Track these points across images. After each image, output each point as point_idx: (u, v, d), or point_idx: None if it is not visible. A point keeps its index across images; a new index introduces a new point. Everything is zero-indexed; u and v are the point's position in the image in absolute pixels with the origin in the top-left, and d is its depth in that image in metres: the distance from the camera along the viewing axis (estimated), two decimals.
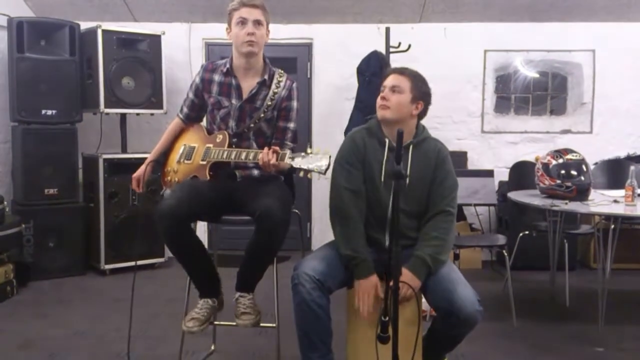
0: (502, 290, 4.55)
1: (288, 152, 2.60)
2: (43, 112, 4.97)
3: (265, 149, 2.64)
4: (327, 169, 2.48)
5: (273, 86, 2.89)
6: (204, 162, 2.84)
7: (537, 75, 5.96)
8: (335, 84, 5.78)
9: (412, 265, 2.58)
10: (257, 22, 2.80)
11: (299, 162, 2.51)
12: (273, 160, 2.59)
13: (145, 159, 3.08)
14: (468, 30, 5.83)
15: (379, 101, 2.76)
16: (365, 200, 2.75)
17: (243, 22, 2.80)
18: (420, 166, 2.73)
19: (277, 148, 2.63)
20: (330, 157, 2.52)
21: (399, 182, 2.22)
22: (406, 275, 2.52)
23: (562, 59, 5.89)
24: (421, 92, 2.78)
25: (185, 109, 3.09)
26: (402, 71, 2.79)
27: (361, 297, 2.62)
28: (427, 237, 2.68)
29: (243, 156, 2.73)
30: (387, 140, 2.75)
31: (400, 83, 2.74)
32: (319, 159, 2.48)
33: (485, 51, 5.86)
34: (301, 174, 2.52)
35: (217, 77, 2.95)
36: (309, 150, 2.54)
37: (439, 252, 2.65)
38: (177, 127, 3.13)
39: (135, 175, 3.03)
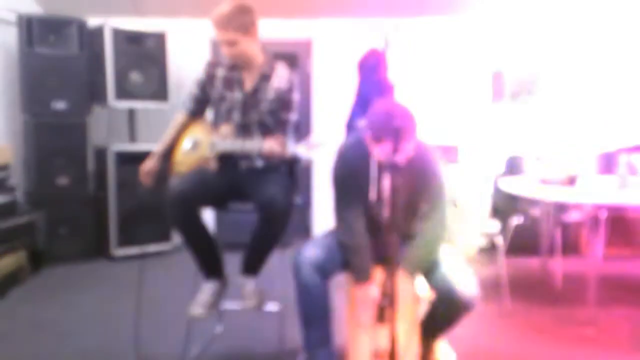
0: (496, 274, 4.60)
1: (291, 140, 2.71)
2: (53, 105, 5.10)
3: (269, 138, 2.74)
4: (329, 156, 2.59)
5: (275, 79, 2.96)
6: (210, 153, 2.93)
7: (532, 68, 6.03)
8: (335, 79, 5.86)
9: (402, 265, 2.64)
10: (228, 43, 2.85)
11: (302, 151, 2.62)
12: (277, 149, 2.70)
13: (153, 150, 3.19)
14: (464, 25, 5.89)
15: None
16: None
17: (220, 42, 2.89)
18: (408, 178, 2.67)
19: (280, 137, 2.72)
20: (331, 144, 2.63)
21: (395, 173, 2.32)
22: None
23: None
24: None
25: (189, 104, 3.15)
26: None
27: (363, 310, 2.68)
28: (421, 238, 2.73)
29: (248, 146, 2.82)
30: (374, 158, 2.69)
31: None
32: (321, 147, 2.60)
33: (481, 46, 5.92)
34: (304, 163, 2.64)
35: (220, 72, 3.03)
36: (310, 138, 2.65)
37: (427, 252, 2.71)
38: (182, 121, 3.17)
39: (142, 168, 3.08)
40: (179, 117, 3.20)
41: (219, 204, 3.10)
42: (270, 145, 2.72)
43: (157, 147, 3.16)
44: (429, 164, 2.77)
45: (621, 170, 3.89)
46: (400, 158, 2.47)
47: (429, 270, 2.71)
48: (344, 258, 2.77)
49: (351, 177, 2.75)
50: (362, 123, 3.37)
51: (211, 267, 3.05)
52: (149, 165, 3.10)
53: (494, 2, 5.73)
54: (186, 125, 3.19)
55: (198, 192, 2.84)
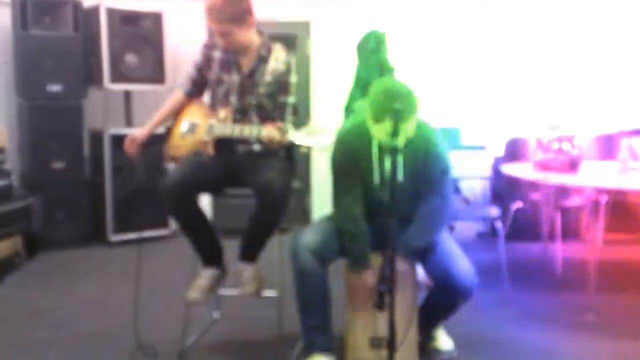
0: (496, 261, 4.57)
1: (291, 128, 2.66)
2: (48, 88, 5.03)
3: (269, 125, 2.70)
4: (328, 145, 2.55)
5: (272, 61, 2.92)
6: (208, 138, 2.89)
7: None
8: (334, 61, 5.80)
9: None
10: (222, 34, 2.80)
11: (301, 138, 2.58)
12: (277, 137, 2.65)
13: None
14: (464, 6, 5.86)
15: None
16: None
17: (214, 31, 2.84)
18: (410, 160, 2.66)
19: (280, 124, 2.69)
20: (330, 133, 2.57)
21: (396, 156, 2.29)
22: None
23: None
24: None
25: (186, 84, 3.11)
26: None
27: (357, 292, 2.71)
28: (415, 220, 2.71)
29: (246, 132, 2.78)
30: (375, 140, 2.68)
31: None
32: (321, 135, 2.55)
33: (481, 27, 5.88)
34: (303, 149, 2.61)
35: (217, 54, 2.98)
36: (310, 126, 2.61)
37: (425, 231, 2.69)
38: (178, 101, 3.12)
39: (130, 136, 3.02)
40: (176, 95, 3.15)
41: (216, 190, 3.07)
42: (268, 132, 2.68)
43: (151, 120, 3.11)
44: (433, 146, 2.73)
45: (622, 154, 3.87)
46: (401, 138, 2.42)
47: (425, 254, 2.70)
48: (343, 244, 2.75)
49: (351, 161, 2.72)
50: (361, 105, 3.32)
51: (210, 255, 3.03)
52: (136, 133, 3.04)
53: None
54: (183, 108, 3.14)
55: (193, 179, 2.82)
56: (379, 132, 2.53)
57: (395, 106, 2.34)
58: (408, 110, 2.45)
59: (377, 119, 2.50)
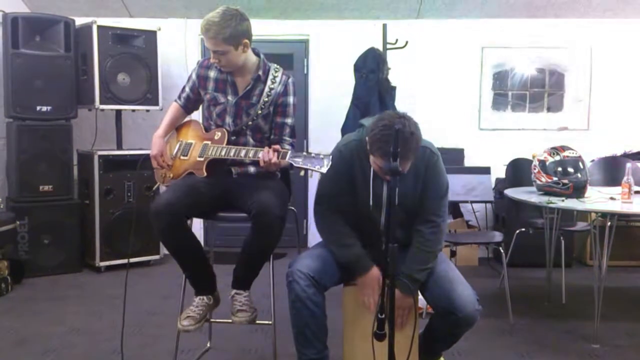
0: (499, 287, 4.57)
1: (290, 151, 2.59)
2: (38, 108, 4.95)
3: (266, 148, 2.63)
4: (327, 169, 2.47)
5: (269, 82, 2.87)
6: (201, 159, 2.83)
7: (534, 72, 5.98)
8: (332, 80, 5.76)
9: (400, 286, 2.51)
10: (217, 52, 2.75)
11: (300, 162, 2.50)
12: (274, 159, 2.58)
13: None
14: (465, 27, 5.85)
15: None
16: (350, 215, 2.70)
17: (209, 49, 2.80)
18: (410, 180, 2.61)
19: (277, 147, 2.61)
20: (330, 157, 2.50)
21: (395, 178, 2.19)
22: (396, 295, 2.39)
23: (559, 55, 5.91)
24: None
25: (182, 100, 3.08)
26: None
27: (366, 292, 2.63)
28: (412, 253, 2.63)
29: (242, 154, 2.73)
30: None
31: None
32: (320, 160, 2.45)
33: (483, 48, 5.87)
34: (302, 173, 2.51)
35: (212, 74, 2.94)
36: (310, 151, 2.54)
37: (425, 263, 2.62)
38: (179, 114, 3.09)
39: (154, 153, 2.94)
40: (175, 109, 3.11)
41: (209, 214, 2.97)
42: (267, 154, 2.61)
43: (158, 131, 3.04)
44: (432, 169, 2.66)
45: (627, 178, 3.78)
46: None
47: (426, 280, 2.63)
48: (340, 268, 2.67)
49: (344, 175, 2.66)
50: (364, 121, 3.23)
51: (201, 282, 2.92)
52: (158, 146, 2.95)
53: (494, 6, 5.66)
54: (178, 128, 3.09)
55: (185, 201, 2.72)
56: (372, 162, 2.52)
57: (392, 149, 2.17)
58: (403, 156, 2.31)
59: (371, 152, 2.48)
